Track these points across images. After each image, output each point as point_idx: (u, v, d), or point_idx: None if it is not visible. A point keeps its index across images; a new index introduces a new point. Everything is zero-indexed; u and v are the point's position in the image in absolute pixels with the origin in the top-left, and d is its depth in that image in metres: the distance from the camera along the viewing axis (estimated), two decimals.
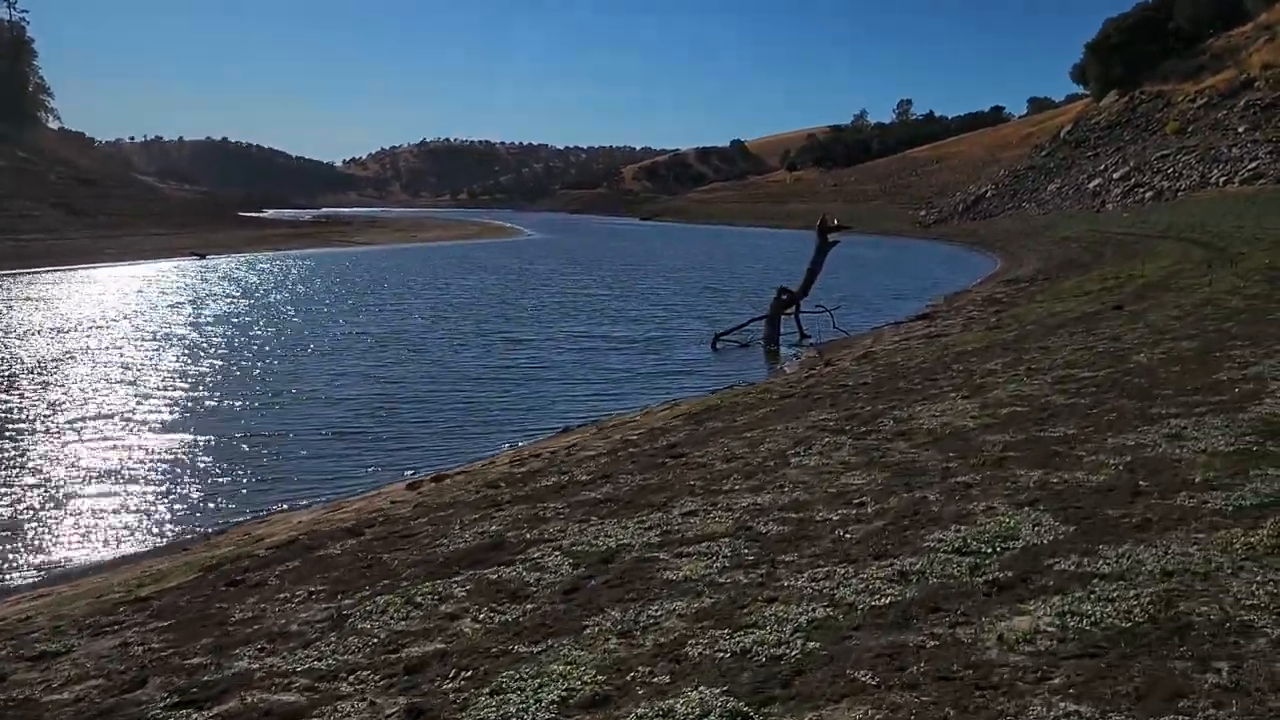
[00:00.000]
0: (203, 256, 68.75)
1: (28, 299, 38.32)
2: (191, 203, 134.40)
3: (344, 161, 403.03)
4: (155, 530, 11.98)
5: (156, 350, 25.70)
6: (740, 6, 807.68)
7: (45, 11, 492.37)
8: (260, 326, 30.56)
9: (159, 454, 15.48)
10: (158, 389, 20.72)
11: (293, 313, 34.07)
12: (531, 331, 29.76)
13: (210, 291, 42.39)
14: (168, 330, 29.27)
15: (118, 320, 31.42)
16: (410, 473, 14.15)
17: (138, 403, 19.35)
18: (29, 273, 50.35)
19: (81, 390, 20.63)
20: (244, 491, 13.75)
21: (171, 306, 35.93)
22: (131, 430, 17.12)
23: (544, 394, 20.57)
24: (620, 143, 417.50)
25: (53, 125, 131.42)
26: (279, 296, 40.23)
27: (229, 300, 38.56)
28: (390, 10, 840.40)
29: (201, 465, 15.01)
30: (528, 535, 6.51)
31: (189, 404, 19.30)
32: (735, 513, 6.59)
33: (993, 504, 6.19)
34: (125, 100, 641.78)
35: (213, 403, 19.44)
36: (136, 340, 27.26)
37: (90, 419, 17.92)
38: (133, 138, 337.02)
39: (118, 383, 21.37)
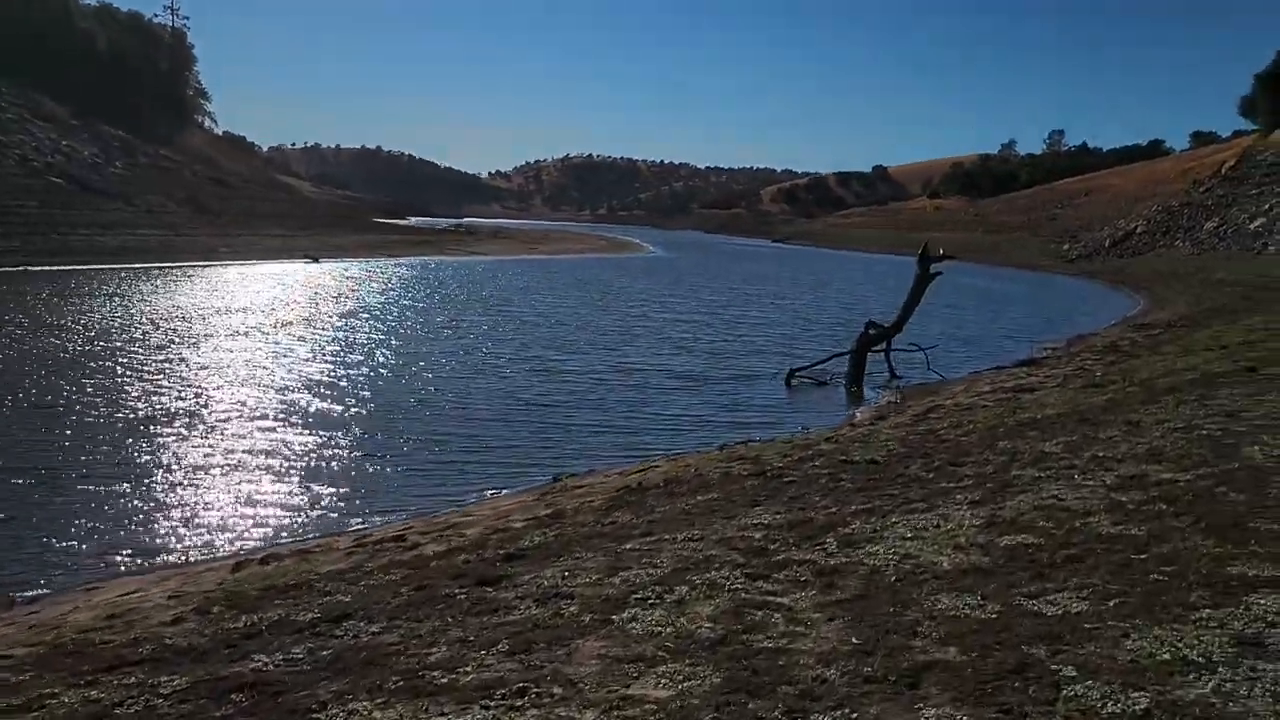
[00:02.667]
0: (316, 260, 68.78)
1: (111, 295, 37.94)
2: (333, 206, 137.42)
3: (489, 173, 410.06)
4: None
5: (150, 369, 22.67)
6: (891, 32, 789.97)
7: (217, 22, 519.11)
8: (294, 340, 28.66)
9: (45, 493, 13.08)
10: (104, 416, 17.72)
11: (341, 326, 32.14)
12: (591, 360, 26.69)
13: (283, 299, 41.08)
14: (185, 343, 27.17)
15: (137, 328, 29.72)
16: (355, 524, 11.93)
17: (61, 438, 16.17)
18: (133, 268, 50.79)
19: None
20: (134, 544, 11.43)
21: (226, 312, 34.64)
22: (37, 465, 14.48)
23: (560, 438, 17.58)
24: (761, 164, 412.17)
25: (214, 129, 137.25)
26: (346, 306, 38.68)
27: (290, 308, 37.09)
28: (539, 26, 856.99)
29: (118, 507, 12.68)
30: None
31: (148, 433, 16.82)
32: None
33: None
34: (289, 109, 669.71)
35: (167, 430, 16.94)
36: (137, 353, 24.75)
37: None
38: (294, 144, 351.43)
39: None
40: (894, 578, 5.77)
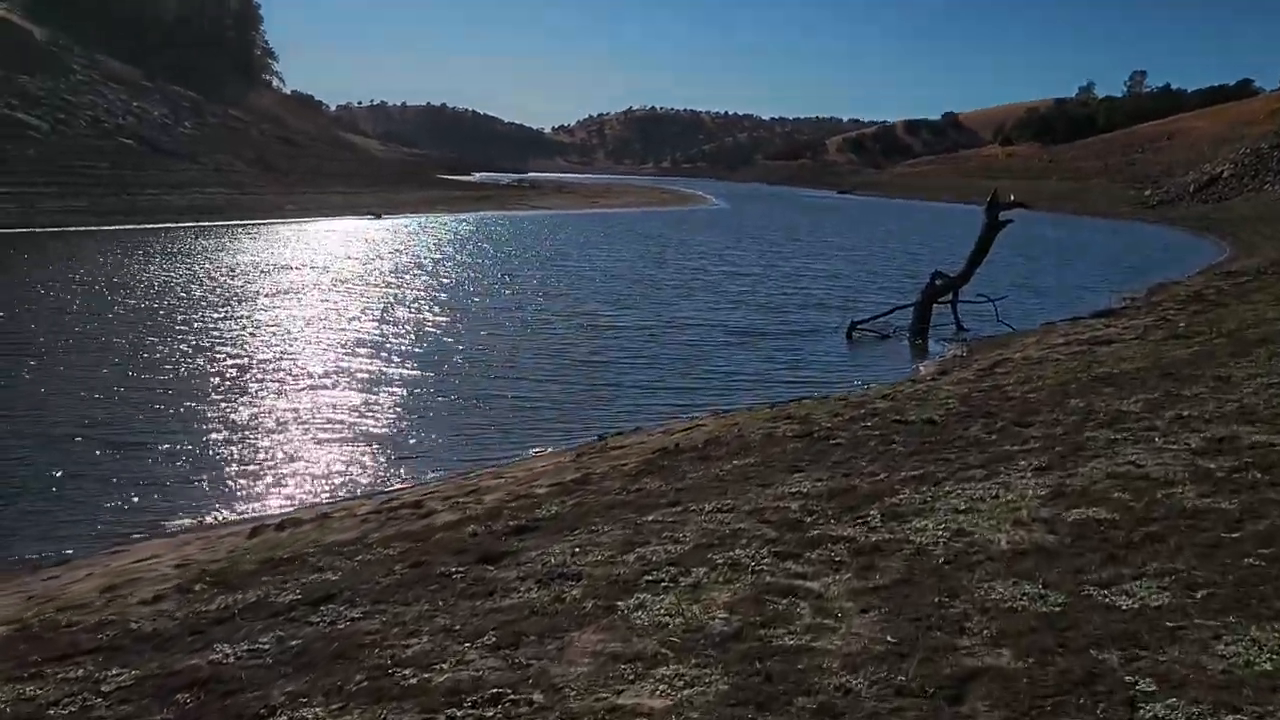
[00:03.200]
0: (379, 216, 68.94)
1: (174, 253, 38.22)
2: (399, 163, 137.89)
3: (553, 128, 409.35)
4: None
5: (202, 327, 22.47)
6: None
7: None
8: (347, 297, 28.43)
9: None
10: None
11: (394, 283, 31.73)
12: (645, 316, 25.87)
13: (340, 254, 41.00)
14: (239, 300, 27.16)
15: (194, 285, 29.78)
16: (394, 486, 11.57)
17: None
18: (199, 226, 51.16)
19: None
20: (168, 502, 11.19)
21: (284, 269, 34.61)
22: None
23: (611, 396, 16.95)
24: (827, 114, 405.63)
25: (282, 89, 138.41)
26: (402, 262, 38.49)
27: (346, 264, 36.99)
28: None
29: (156, 468, 12.44)
30: None
31: (192, 393, 16.63)
32: None
33: None
34: (356, 67, 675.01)
35: (211, 390, 16.70)
36: (189, 312, 24.48)
37: None
38: (360, 102, 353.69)
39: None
40: (942, 559, 5.07)
